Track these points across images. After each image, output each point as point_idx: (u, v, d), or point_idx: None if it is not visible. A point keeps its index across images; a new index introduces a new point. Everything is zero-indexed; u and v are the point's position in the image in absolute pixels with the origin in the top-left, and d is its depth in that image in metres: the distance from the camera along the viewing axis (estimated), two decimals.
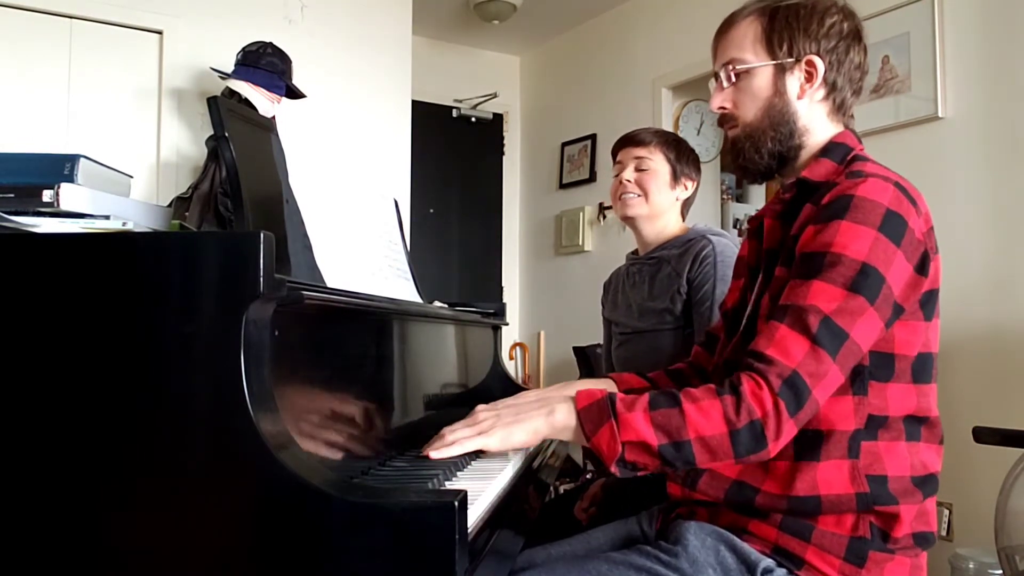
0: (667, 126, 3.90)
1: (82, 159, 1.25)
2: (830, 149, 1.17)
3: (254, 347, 0.80)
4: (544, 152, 4.89)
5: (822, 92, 1.18)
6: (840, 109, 1.20)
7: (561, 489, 3.08)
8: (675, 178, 1.89)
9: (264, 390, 0.80)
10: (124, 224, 1.20)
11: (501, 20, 4.21)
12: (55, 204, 1.16)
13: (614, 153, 1.98)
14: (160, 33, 3.14)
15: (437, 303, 1.77)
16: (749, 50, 1.18)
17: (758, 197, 4.77)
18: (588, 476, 3.39)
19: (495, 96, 4.95)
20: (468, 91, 4.91)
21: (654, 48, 4.08)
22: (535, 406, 1.09)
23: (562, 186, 4.70)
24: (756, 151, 1.19)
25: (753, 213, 1.32)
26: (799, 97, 1.17)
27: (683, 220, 1.96)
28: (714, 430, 0.99)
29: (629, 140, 1.93)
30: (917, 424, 1.10)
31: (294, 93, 2.95)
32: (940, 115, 2.71)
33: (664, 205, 1.90)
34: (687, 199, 1.95)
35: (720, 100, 1.22)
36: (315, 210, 1.30)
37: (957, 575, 2.34)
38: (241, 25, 3.19)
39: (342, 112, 3.48)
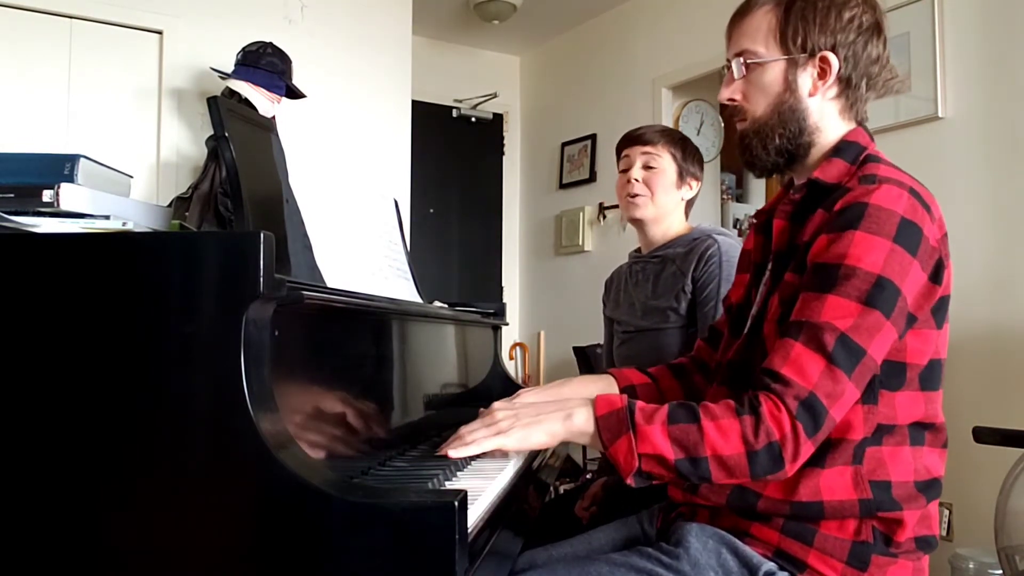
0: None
1: (82, 159, 1.25)
2: (842, 148, 1.14)
3: (254, 347, 0.80)
4: (544, 152, 4.89)
5: (835, 89, 1.15)
6: (854, 106, 1.17)
7: (561, 489, 3.08)
8: (681, 178, 1.88)
9: (264, 390, 0.80)
10: (124, 224, 1.20)
11: (501, 20, 4.21)
12: (55, 204, 1.16)
13: (619, 149, 1.96)
14: (160, 33, 3.14)
15: (437, 303, 1.77)
16: (762, 43, 1.14)
17: (758, 197, 4.77)
18: (588, 476, 3.39)
19: (495, 96, 4.95)
20: (468, 91, 4.91)
21: (654, 48, 4.08)
22: (553, 408, 1.09)
23: (562, 186, 4.70)
24: (763, 147, 1.16)
25: (753, 213, 1.30)
26: (811, 94, 1.14)
27: (686, 219, 1.96)
28: (732, 450, 0.98)
29: (637, 138, 1.91)
30: (922, 429, 1.09)
31: (294, 93, 2.95)
32: (940, 115, 2.71)
33: (670, 206, 1.89)
34: (691, 198, 1.94)
35: (730, 92, 1.18)
36: (315, 210, 1.30)
37: (957, 575, 2.34)
38: (241, 25, 3.19)
39: (342, 112, 3.48)
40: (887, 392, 1.06)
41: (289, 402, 0.89)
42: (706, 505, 1.15)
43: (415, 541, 0.73)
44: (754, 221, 1.29)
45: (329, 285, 1.21)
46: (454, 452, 1.08)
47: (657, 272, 1.89)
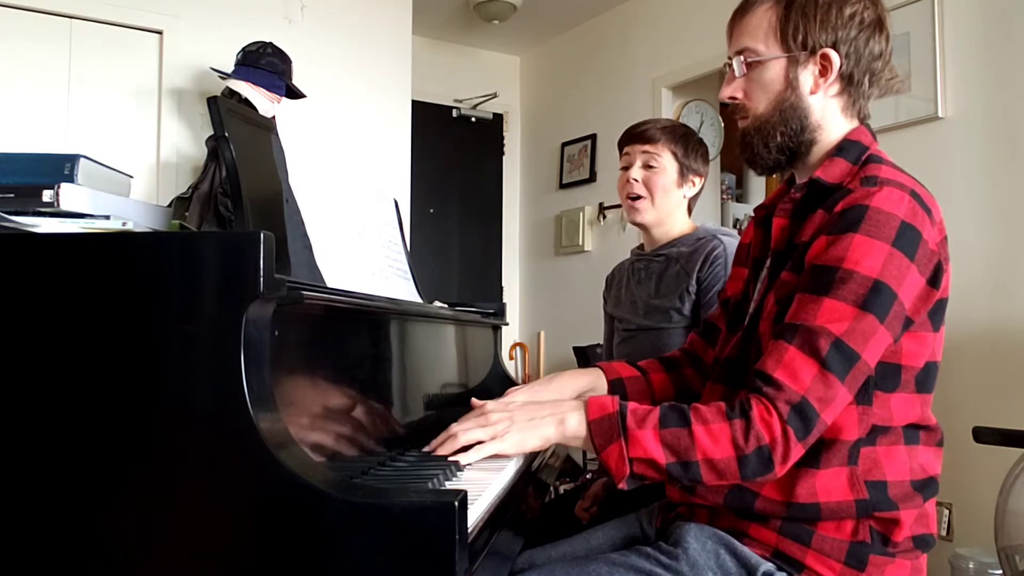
0: None
1: (82, 159, 1.25)
2: (844, 147, 1.13)
3: (254, 347, 0.80)
4: (544, 152, 4.89)
5: (837, 87, 1.14)
6: (856, 103, 1.16)
7: (561, 489, 3.08)
8: (682, 176, 1.86)
9: (264, 390, 0.80)
10: (124, 224, 1.20)
11: (501, 20, 4.21)
12: (55, 204, 1.16)
13: (620, 145, 1.93)
14: (160, 33, 3.14)
15: (437, 303, 1.77)
16: (762, 40, 1.13)
17: (758, 197, 4.77)
18: (588, 476, 3.39)
19: (495, 96, 4.95)
20: (468, 91, 4.91)
21: (654, 48, 4.08)
22: (548, 411, 1.09)
23: (562, 186, 4.70)
24: (764, 145, 1.16)
25: (752, 212, 1.30)
26: (812, 92, 1.13)
27: (689, 215, 1.93)
28: (722, 454, 0.99)
29: (638, 136, 1.88)
30: (917, 430, 1.09)
31: (294, 93, 2.95)
32: (940, 115, 2.71)
33: (671, 206, 1.87)
34: (695, 195, 1.92)
35: (731, 90, 1.18)
36: (315, 210, 1.30)
37: (957, 575, 2.34)
38: (241, 25, 3.19)
39: (342, 112, 3.48)
40: (882, 393, 1.06)
41: (289, 402, 0.89)
42: (704, 505, 1.15)
43: (415, 541, 0.73)
44: (754, 215, 1.29)
45: (329, 285, 1.21)
46: (461, 458, 1.08)
47: (661, 271, 1.88)
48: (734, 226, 4.48)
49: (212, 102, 1.12)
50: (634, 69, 4.21)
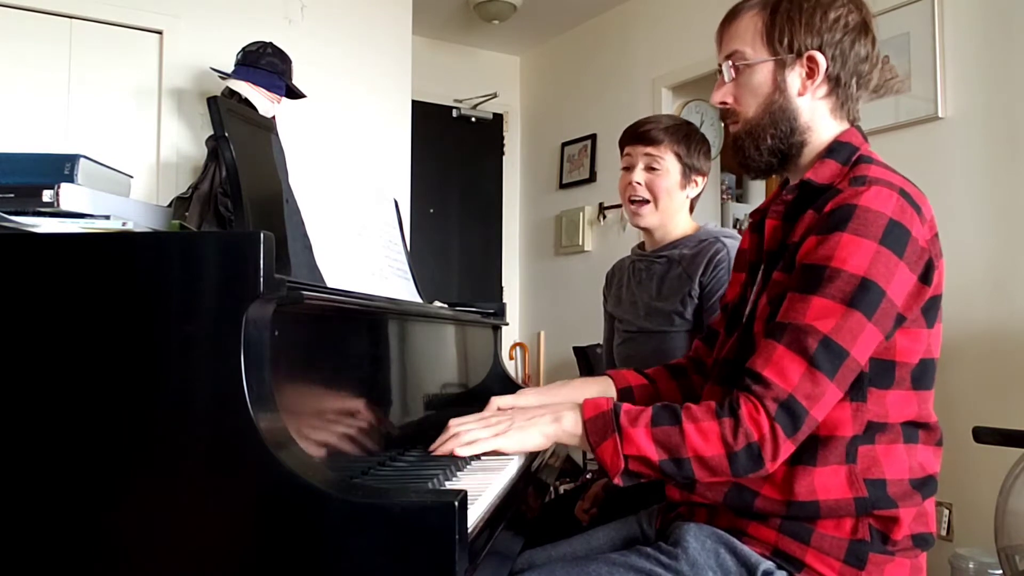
0: None
1: (82, 159, 1.25)
2: (835, 149, 1.15)
3: (254, 347, 0.80)
4: (544, 152, 4.89)
5: (825, 88, 1.15)
6: (845, 105, 1.17)
7: (561, 489, 3.08)
8: (686, 177, 1.83)
9: (264, 390, 0.80)
10: (124, 224, 1.20)
11: (501, 20, 4.21)
12: (55, 204, 1.16)
13: (622, 145, 1.89)
14: (160, 33, 3.14)
15: (437, 303, 1.77)
16: (749, 45, 1.16)
17: (758, 197, 4.77)
18: (588, 476, 3.39)
19: (495, 96, 4.95)
20: (468, 91, 4.91)
21: (654, 48, 4.09)
22: (545, 411, 1.12)
23: (562, 186, 4.70)
24: (756, 148, 1.18)
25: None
26: (800, 94, 1.15)
27: (691, 212, 1.91)
28: (712, 451, 1.01)
29: (640, 137, 1.83)
30: (916, 428, 1.10)
31: (294, 93, 2.95)
32: (940, 115, 2.71)
33: (675, 208, 1.84)
34: (697, 195, 1.89)
35: (721, 95, 1.20)
36: (315, 210, 1.30)
37: (957, 575, 2.34)
38: (241, 25, 3.19)
39: (342, 112, 3.48)
40: (877, 390, 1.06)
41: (289, 402, 0.89)
42: (704, 504, 1.15)
43: (415, 541, 0.73)
44: (750, 220, 1.30)
45: (329, 285, 1.21)
46: (461, 450, 1.10)
47: (662, 273, 1.86)
48: (734, 226, 4.48)
49: (212, 102, 1.12)
50: (634, 69, 4.21)
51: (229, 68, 2.88)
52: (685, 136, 1.83)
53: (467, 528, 0.76)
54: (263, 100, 2.81)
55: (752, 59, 1.15)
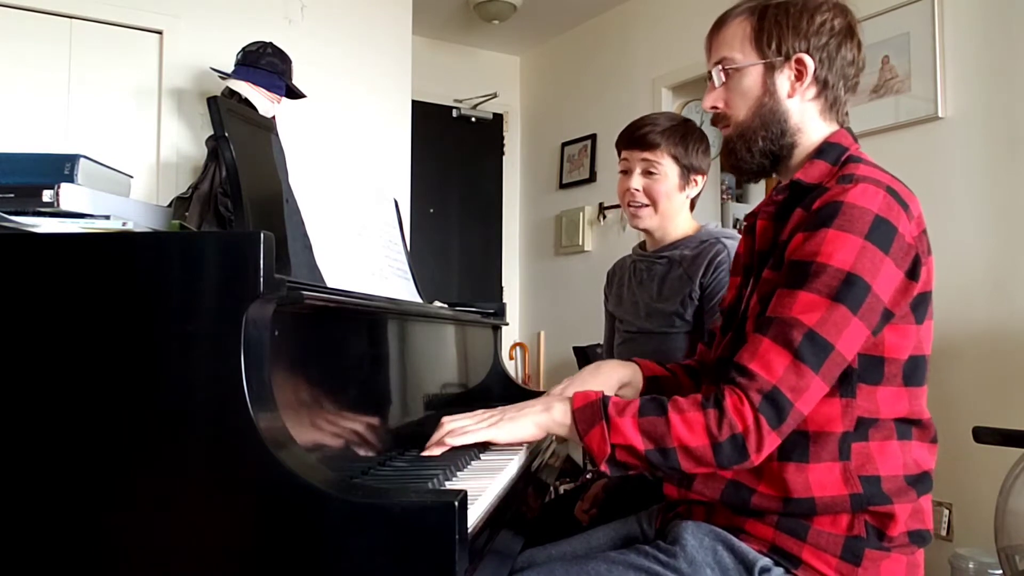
0: None
1: (82, 159, 1.25)
2: (824, 150, 1.17)
3: (254, 347, 0.80)
4: (544, 152, 4.89)
5: (813, 90, 1.17)
6: (834, 107, 1.19)
7: (561, 489, 3.09)
8: (684, 179, 1.80)
9: (264, 390, 0.80)
10: (124, 224, 1.20)
11: (501, 20, 4.21)
12: (55, 204, 1.16)
13: (619, 148, 1.87)
14: (160, 33, 3.14)
15: (437, 303, 1.77)
16: (738, 49, 1.18)
17: (758, 197, 4.77)
18: (588, 476, 3.39)
19: (495, 96, 4.95)
20: (468, 91, 4.91)
21: (654, 48, 4.09)
22: (536, 402, 1.15)
23: (562, 186, 4.70)
24: (748, 150, 1.20)
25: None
26: (789, 96, 1.17)
27: (691, 210, 1.89)
28: (697, 442, 1.02)
29: (637, 141, 1.80)
30: (909, 425, 1.10)
31: (294, 93, 2.95)
32: (940, 115, 2.71)
33: (675, 210, 1.83)
34: (697, 195, 1.87)
35: (712, 100, 1.22)
36: (315, 210, 1.30)
37: (957, 575, 2.34)
38: (241, 25, 3.19)
39: (342, 112, 3.48)
40: (866, 386, 1.07)
41: (289, 402, 0.89)
42: (702, 503, 1.16)
43: (415, 541, 0.73)
44: (744, 224, 1.31)
45: (329, 285, 1.21)
46: (452, 439, 1.12)
47: (663, 274, 1.85)
48: (734, 226, 4.48)
49: (212, 102, 1.12)
50: (634, 69, 4.21)
51: (229, 68, 2.88)
52: (682, 137, 1.80)
53: (467, 528, 0.76)
54: (263, 100, 2.81)
55: (741, 63, 1.18)
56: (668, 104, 4.02)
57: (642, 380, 1.41)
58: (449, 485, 1.01)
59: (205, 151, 2.87)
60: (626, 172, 1.84)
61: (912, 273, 1.07)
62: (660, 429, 1.03)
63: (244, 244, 0.80)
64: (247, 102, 2.75)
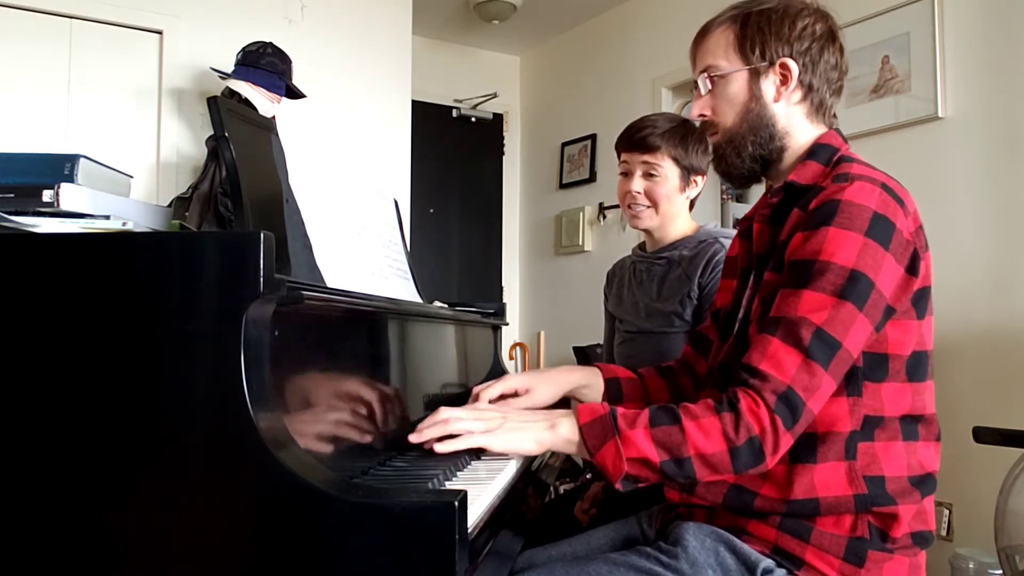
0: None
1: (82, 159, 1.25)
2: (815, 151, 1.17)
3: (254, 347, 0.80)
4: (544, 152, 4.89)
5: (799, 94, 1.18)
6: (820, 110, 1.20)
7: (561, 489, 3.08)
8: (684, 180, 1.81)
9: (264, 390, 0.80)
10: (124, 224, 1.20)
11: (501, 20, 4.21)
12: (55, 204, 1.16)
13: (618, 150, 1.87)
14: (160, 33, 3.14)
15: (437, 303, 1.77)
16: (723, 57, 1.19)
17: (758, 197, 4.77)
18: (588, 476, 3.39)
19: (495, 96, 4.95)
20: (468, 91, 4.91)
21: (654, 48, 4.09)
22: (541, 416, 1.12)
23: (562, 186, 4.70)
24: (738, 156, 1.20)
25: None
26: (776, 100, 1.18)
27: (690, 211, 1.89)
28: (714, 448, 1.00)
29: (637, 144, 1.80)
30: (914, 423, 1.10)
31: (294, 93, 2.95)
32: (940, 115, 2.71)
33: (675, 211, 1.83)
34: (697, 195, 1.87)
35: (699, 108, 1.23)
36: (315, 210, 1.30)
37: (957, 575, 2.34)
38: (241, 25, 3.19)
39: (342, 112, 3.48)
40: (872, 384, 1.07)
41: (289, 402, 0.89)
42: (703, 505, 1.15)
43: (415, 541, 0.73)
44: (738, 227, 1.32)
45: (329, 285, 1.21)
46: (440, 447, 1.09)
47: (662, 274, 1.85)
48: (734, 226, 4.47)
49: (212, 102, 1.12)
50: (634, 69, 4.21)
51: (229, 68, 2.88)
52: (682, 139, 1.80)
53: (467, 528, 0.76)
54: (263, 100, 2.81)
55: (727, 70, 1.19)
56: (668, 104, 4.02)
57: (602, 382, 1.40)
58: (449, 485, 1.01)
59: (205, 151, 2.87)
60: (626, 174, 1.84)
61: (912, 268, 1.07)
62: (675, 438, 1.01)
63: (244, 244, 0.80)
64: (247, 102, 2.75)
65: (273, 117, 2.65)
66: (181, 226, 2.14)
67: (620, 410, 1.06)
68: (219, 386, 0.79)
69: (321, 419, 0.98)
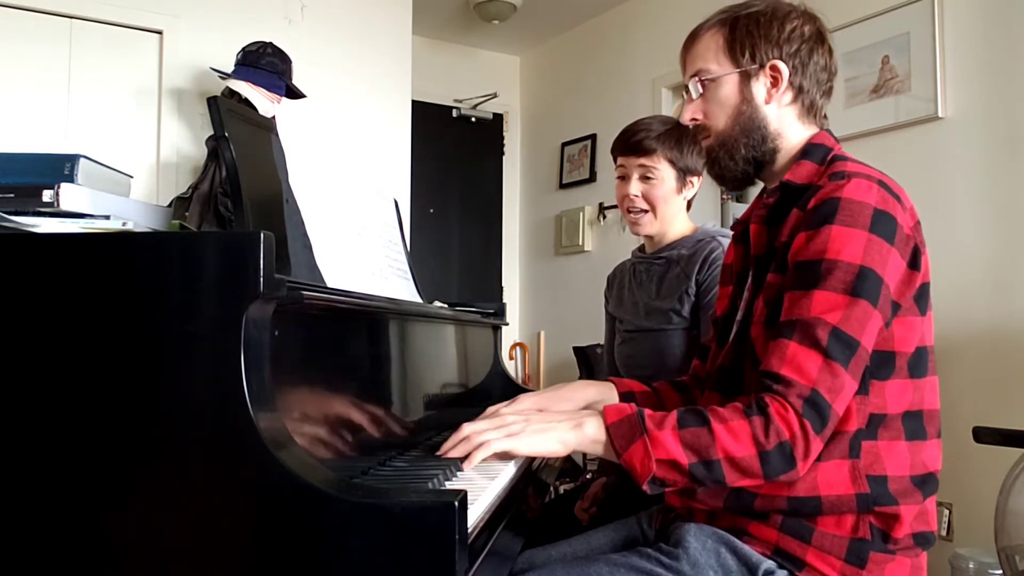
0: None
1: (82, 159, 1.25)
2: (809, 150, 1.18)
3: (254, 347, 0.80)
4: (544, 152, 4.89)
5: (789, 95, 1.19)
6: (811, 111, 1.21)
7: (561, 489, 3.09)
8: (681, 181, 1.83)
9: (264, 390, 0.80)
10: (124, 224, 1.20)
11: (501, 20, 4.21)
12: (55, 204, 1.16)
13: (614, 155, 1.90)
14: (160, 33, 3.14)
15: (437, 303, 1.77)
16: (713, 60, 1.20)
17: None
18: (588, 476, 3.39)
19: (495, 96, 4.95)
20: (468, 91, 4.91)
21: (654, 48, 4.08)
22: (564, 417, 1.10)
23: (562, 186, 4.70)
24: (731, 158, 1.21)
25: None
26: (767, 102, 1.18)
27: (688, 210, 1.91)
28: (744, 452, 0.99)
29: (632, 147, 1.83)
30: (916, 420, 1.10)
31: (294, 93, 2.95)
32: (940, 115, 2.71)
33: (673, 212, 1.85)
34: (694, 196, 1.89)
35: (691, 112, 1.23)
36: (315, 210, 1.30)
37: (957, 575, 2.34)
38: (241, 25, 3.19)
39: (342, 112, 3.48)
40: (877, 382, 1.07)
41: (289, 402, 0.89)
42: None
43: (415, 541, 0.73)
44: (732, 232, 1.31)
45: (329, 285, 1.21)
46: (468, 464, 1.07)
47: (661, 274, 1.86)
48: (733, 227, 4.47)
49: (212, 102, 1.12)
50: (634, 69, 4.21)
51: (229, 68, 2.88)
52: (677, 141, 1.81)
53: (467, 528, 0.76)
54: (263, 100, 2.81)
55: (717, 73, 1.19)
56: (668, 104, 4.02)
57: (617, 397, 1.39)
58: (449, 485, 1.01)
59: (205, 151, 2.87)
60: (624, 178, 1.87)
61: (914, 263, 1.08)
62: (703, 440, 0.99)
63: (244, 244, 0.79)
64: (247, 102, 2.75)
65: (273, 117, 2.65)
66: (181, 226, 2.14)
67: (647, 411, 1.04)
68: (219, 386, 0.79)
69: (321, 419, 0.98)
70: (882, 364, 1.07)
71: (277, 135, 1.29)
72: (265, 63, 2.83)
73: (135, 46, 3.12)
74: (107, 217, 1.20)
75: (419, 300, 1.62)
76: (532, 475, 1.26)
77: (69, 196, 1.17)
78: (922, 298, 1.10)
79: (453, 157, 4.90)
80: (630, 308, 1.94)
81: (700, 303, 1.77)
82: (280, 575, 0.76)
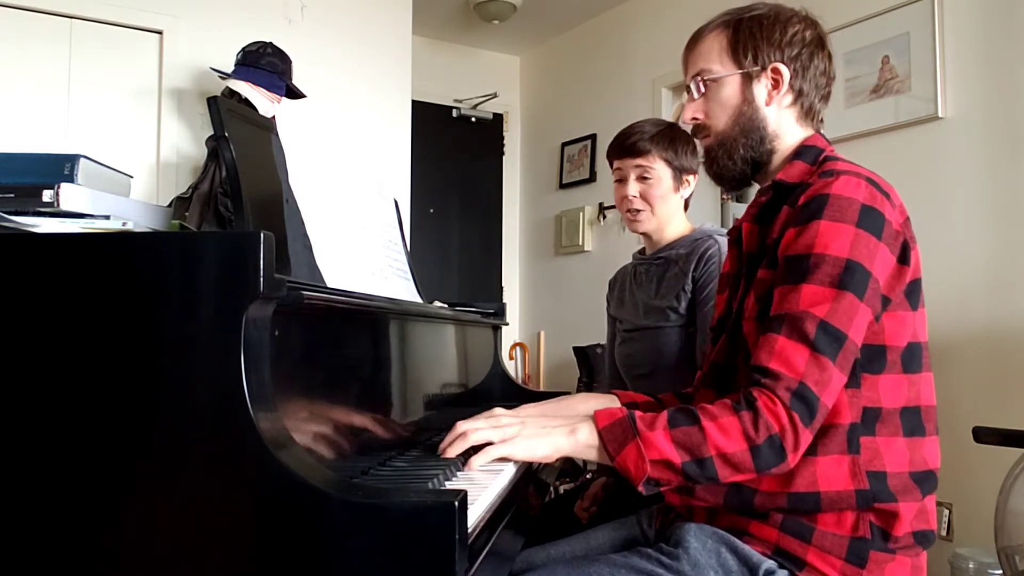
0: None
1: (82, 159, 1.25)
2: (802, 151, 1.20)
3: (254, 347, 0.80)
4: (544, 152, 4.89)
5: (789, 98, 1.21)
6: (809, 114, 1.23)
7: (561, 489, 3.09)
8: (677, 180, 1.86)
9: (264, 390, 0.80)
10: (124, 224, 1.20)
11: (501, 20, 4.21)
12: (55, 204, 1.16)
13: (610, 158, 1.94)
14: (160, 33, 3.14)
15: (437, 303, 1.77)
16: (716, 61, 1.21)
17: None
18: (588, 476, 3.39)
19: (495, 96, 4.95)
20: (468, 91, 4.91)
21: (654, 48, 4.09)
22: (559, 422, 1.11)
23: (562, 186, 4.70)
24: (729, 158, 1.22)
25: None
26: (767, 104, 1.20)
27: (686, 209, 1.94)
28: (735, 447, 1.00)
29: (628, 149, 1.87)
30: (913, 417, 1.10)
31: (294, 93, 2.95)
32: (940, 115, 2.71)
33: (671, 211, 1.88)
34: (691, 194, 1.92)
35: (692, 111, 1.24)
36: (315, 210, 1.30)
37: (957, 575, 2.34)
38: (241, 25, 3.19)
39: (342, 112, 3.48)
40: (869, 376, 1.08)
41: (289, 402, 0.89)
42: (704, 506, 1.15)
43: (415, 541, 0.73)
44: (727, 238, 1.32)
45: (329, 285, 1.21)
46: (467, 466, 1.08)
47: (660, 274, 1.89)
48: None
49: (212, 102, 1.12)
50: (634, 69, 4.21)
51: (229, 68, 2.88)
52: (671, 141, 1.85)
53: (467, 528, 0.76)
54: (263, 100, 2.81)
55: (720, 73, 1.21)
56: (668, 104, 4.02)
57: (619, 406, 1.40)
58: (449, 485, 1.01)
59: (205, 151, 2.87)
60: (621, 180, 1.90)
61: (903, 258, 1.09)
62: (695, 438, 1.01)
63: (244, 244, 0.79)
64: (247, 102, 2.75)
65: (273, 117, 2.65)
66: (181, 226, 2.14)
67: (637, 413, 1.06)
68: (219, 386, 0.79)
69: (321, 419, 0.98)
70: (873, 358, 1.08)
71: (277, 135, 1.29)
72: (265, 63, 2.83)
73: (135, 46, 3.12)
74: (107, 217, 1.20)
75: (419, 300, 1.62)
76: (532, 475, 1.26)
77: (69, 196, 1.17)
78: (913, 293, 1.11)
79: (453, 157, 4.90)
80: (630, 308, 1.96)
81: (696, 299, 1.79)
82: (280, 575, 0.76)
